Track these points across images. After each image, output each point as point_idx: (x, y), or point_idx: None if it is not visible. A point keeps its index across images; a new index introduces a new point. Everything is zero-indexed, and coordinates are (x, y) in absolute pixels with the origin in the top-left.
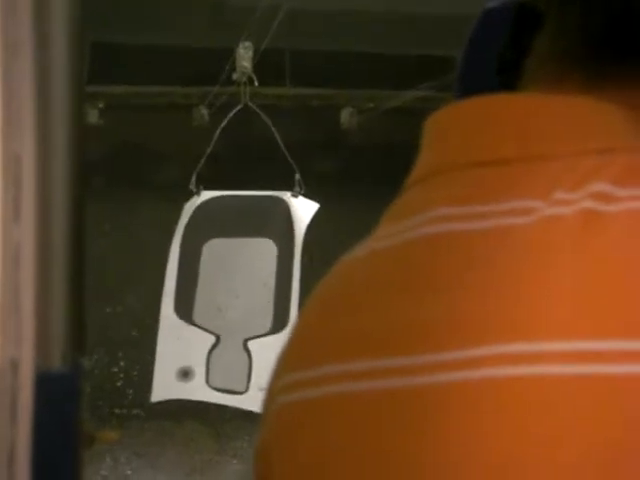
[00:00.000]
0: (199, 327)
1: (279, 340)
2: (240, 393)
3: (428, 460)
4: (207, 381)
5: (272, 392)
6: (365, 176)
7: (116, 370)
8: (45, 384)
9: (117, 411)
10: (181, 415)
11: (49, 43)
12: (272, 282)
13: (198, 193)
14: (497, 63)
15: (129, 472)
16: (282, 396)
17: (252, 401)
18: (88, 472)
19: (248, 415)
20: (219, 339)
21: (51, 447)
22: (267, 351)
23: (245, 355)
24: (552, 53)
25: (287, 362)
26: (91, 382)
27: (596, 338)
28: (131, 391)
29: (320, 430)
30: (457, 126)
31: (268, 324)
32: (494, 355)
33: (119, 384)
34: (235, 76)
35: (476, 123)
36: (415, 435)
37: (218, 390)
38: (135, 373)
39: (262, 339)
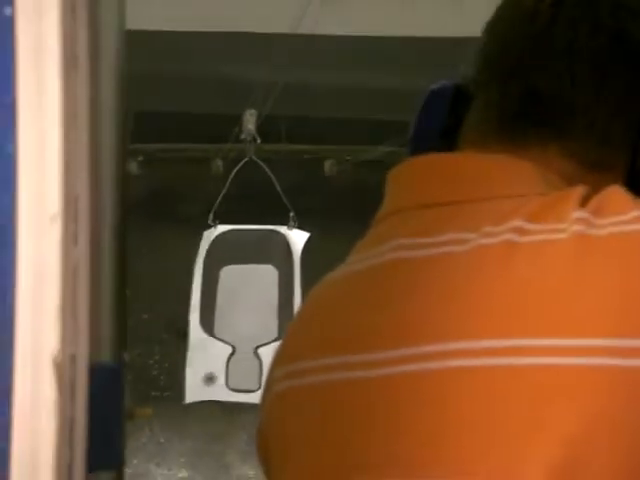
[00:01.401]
0: (219, 339)
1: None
2: (254, 391)
3: (383, 426)
4: (227, 384)
5: (268, 383)
6: (343, 213)
7: (152, 362)
8: (96, 374)
9: (153, 393)
10: None
11: (101, 115)
12: (276, 299)
13: (215, 226)
14: (440, 129)
15: (162, 440)
16: (276, 385)
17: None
18: (131, 440)
19: None
20: (235, 349)
21: (101, 421)
22: (271, 354)
23: (256, 360)
24: (479, 123)
25: (279, 358)
26: (133, 371)
27: (513, 336)
28: (163, 378)
29: (302, 410)
30: (410, 177)
31: (274, 333)
32: (436, 352)
33: (154, 373)
34: (242, 136)
35: (424, 175)
36: (373, 413)
37: (236, 390)
38: (166, 364)
39: (270, 345)
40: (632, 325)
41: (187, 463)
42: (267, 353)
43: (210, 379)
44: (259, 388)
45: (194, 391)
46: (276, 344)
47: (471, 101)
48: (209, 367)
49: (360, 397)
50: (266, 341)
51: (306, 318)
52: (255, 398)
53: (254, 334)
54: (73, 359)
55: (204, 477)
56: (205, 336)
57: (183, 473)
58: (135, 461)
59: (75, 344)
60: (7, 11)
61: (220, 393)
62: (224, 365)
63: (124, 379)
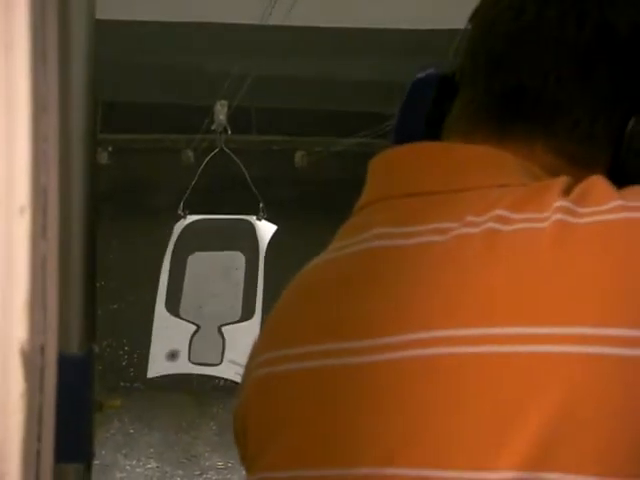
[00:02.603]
0: (183, 319)
1: (245, 326)
2: (216, 365)
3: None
4: (189, 358)
5: (249, 368)
6: (312, 204)
7: (121, 353)
8: (65, 364)
9: (122, 384)
10: (171, 388)
11: (70, 104)
12: (241, 284)
13: (185, 217)
14: (425, 119)
15: (131, 431)
16: (256, 371)
17: (225, 371)
18: (100, 431)
19: (223, 387)
20: (199, 327)
21: (70, 411)
22: (236, 333)
23: (219, 337)
24: (465, 114)
25: (260, 345)
26: (102, 362)
27: (496, 325)
28: (132, 369)
29: (281, 396)
30: (393, 166)
31: (238, 314)
32: (419, 339)
33: (124, 363)
34: (213, 126)
35: (407, 164)
36: (357, 399)
37: (198, 364)
38: (135, 355)
39: (233, 325)
40: (612, 314)
41: (156, 454)
42: (230, 332)
43: (173, 355)
44: (220, 363)
45: (157, 366)
46: (239, 325)
47: (457, 91)
48: (173, 344)
49: (342, 384)
50: (230, 321)
51: (286, 306)
52: (216, 371)
53: (218, 315)
54: (42, 350)
55: (173, 468)
56: (170, 316)
57: (152, 464)
58: (103, 452)
59: (44, 335)
60: None
61: (183, 367)
62: (187, 342)
63: (93, 370)
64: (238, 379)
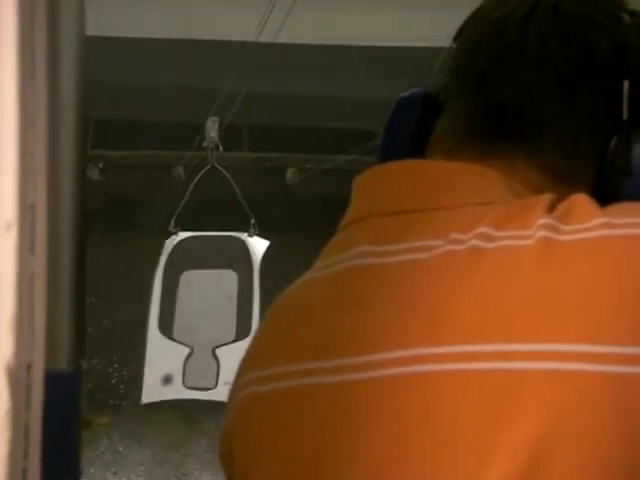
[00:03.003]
0: (177, 342)
1: (241, 346)
2: (210, 389)
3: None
4: (183, 383)
5: (234, 388)
6: (304, 220)
7: (111, 370)
8: (53, 381)
9: (111, 401)
10: (161, 405)
11: (60, 119)
12: (235, 303)
13: (176, 233)
14: (410, 137)
15: (121, 449)
16: (240, 391)
17: (220, 394)
18: (89, 449)
19: (214, 404)
20: (192, 350)
21: (57, 428)
22: (232, 354)
23: (214, 360)
24: (449, 132)
25: (245, 365)
26: (92, 379)
27: (478, 342)
28: (122, 386)
29: (265, 416)
30: (377, 184)
31: (232, 334)
32: (401, 357)
33: (113, 381)
34: (205, 143)
35: (391, 182)
36: (349, 418)
37: (193, 389)
38: (125, 372)
39: (228, 346)
40: (592, 331)
41: (145, 472)
42: (225, 353)
43: (167, 380)
44: (216, 386)
45: (151, 392)
46: (234, 345)
47: (441, 109)
48: (167, 368)
49: (323, 403)
50: (224, 342)
51: (270, 326)
52: (211, 395)
53: (212, 336)
54: (29, 367)
55: None
56: (163, 338)
57: None
58: (92, 470)
59: (31, 352)
60: None
61: (177, 392)
62: (181, 365)
63: (81, 386)
64: None
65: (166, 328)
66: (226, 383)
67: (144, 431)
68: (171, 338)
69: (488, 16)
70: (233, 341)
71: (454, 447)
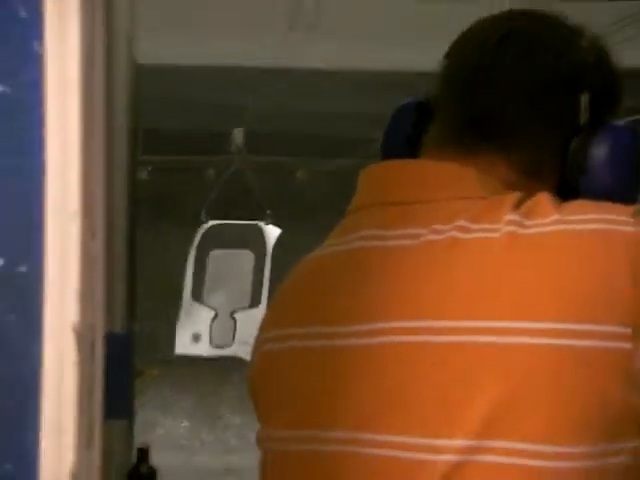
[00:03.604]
0: (206, 306)
1: (254, 312)
2: (229, 347)
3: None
4: (210, 342)
5: (257, 344)
6: (311, 213)
7: (160, 333)
8: (111, 340)
9: (160, 357)
10: (196, 362)
11: (115, 133)
12: (250, 275)
13: (207, 222)
14: (406, 139)
15: (167, 394)
16: (262, 345)
17: (237, 349)
18: (143, 395)
19: (241, 361)
20: (216, 315)
21: (115, 377)
22: (246, 318)
23: (231, 322)
24: (439, 135)
25: (265, 324)
26: (144, 340)
27: (454, 318)
28: (168, 346)
29: (282, 368)
30: (377, 178)
31: (247, 302)
32: (392, 328)
33: (161, 342)
34: (232, 149)
35: (389, 177)
36: (344, 374)
37: (216, 347)
38: (170, 335)
39: (243, 312)
40: (547, 309)
41: (187, 414)
42: (241, 317)
43: (196, 337)
44: (233, 343)
45: (183, 346)
46: (248, 311)
47: (432, 115)
48: (196, 327)
49: (329, 361)
50: (239, 307)
51: (287, 292)
52: (229, 352)
53: (232, 302)
54: (92, 328)
55: (202, 425)
56: (194, 302)
57: (185, 423)
58: (145, 411)
59: (93, 316)
60: (38, 50)
61: (204, 349)
62: (208, 326)
63: (134, 344)
64: (249, 357)
65: (197, 295)
66: (242, 342)
67: (185, 382)
68: (201, 302)
69: (470, 39)
70: (248, 307)
71: (433, 403)
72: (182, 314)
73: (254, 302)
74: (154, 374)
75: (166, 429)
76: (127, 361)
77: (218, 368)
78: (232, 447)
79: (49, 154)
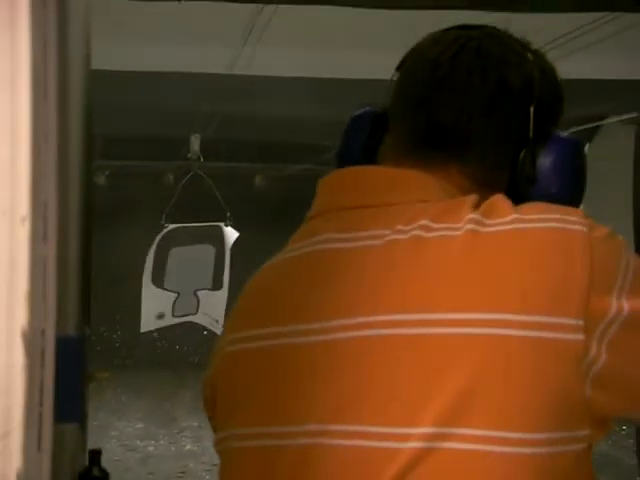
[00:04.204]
0: (167, 290)
1: (216, 294)
2: (193, 314)
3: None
4: (172, 314)
5: (219, 345)
6: (267, 215)
7: (115, 336)
8: (63, 343)
9: (115, 361)
10: (155, 365)
11: (69, 135)
12: (212, 261)
13: (166, 226)
14: (362, 147)
15: (123, 398)
16: (223, 349)
17: (201, 318)
18: (98, 399)
19: (197, 364)
20: (179, 295)
21: (67, 381)
22: (209, 297)
23: (195, 297)
24: (395, 144)
25: (227, 327)
26: (99, 344)
27: (418, 312)
28: (124, 349)
29: (245, 368)
30: (336, 185)
31: (209, 284)
32: (355, 323)
33: (117, 345)
34: (189, 155)
35: (348, 183)
36: (311, 372)
37: (180, 316)
38: (127, 337)
39: (205, 291)
40: (506, 302)
41: (142, 417)
42: (204, 295)
43: (160, 316)
44: (196, 313)
45: (148, 323)
46: (210, 291)
47: (387, 126)
48: (159, 308)
49: (293, 358)
50: (202, 287)
51: (249, 296)
52: (194, 319)
53: (194, 282)
54: (42, 332)
55: (157, 427)
56: (155, 287)
57: (140, 425)
58: (100, 415)
59: (44, 321)
60: None
61: (168, 321)
62: (170, 305)
63: (86, 348)
64: (212, 328)
65: (159, 283)
66: (204, 313)
67: (141, 385)
68: (162, 288)
69: (424, 53)
70: (210, 289)
71: (402, 394)
72: (144, 297)
73: (216, 285)
74: (105, 376)
75: (121, 431)
76: (79, 364)
77: (174, 371)
78: (187, 450)
79: None
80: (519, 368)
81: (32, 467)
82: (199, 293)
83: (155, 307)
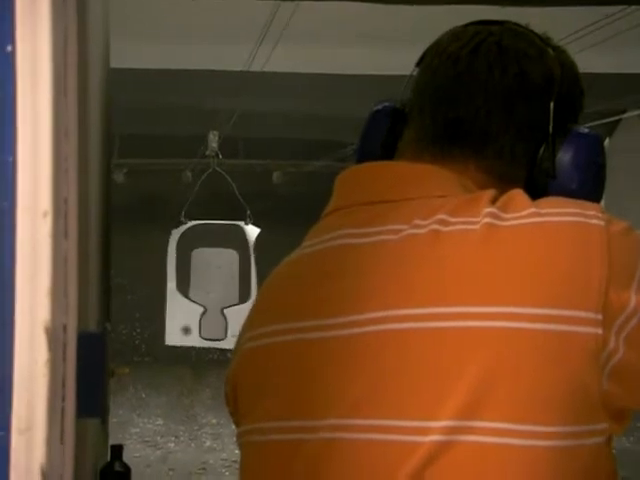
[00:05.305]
0: (192, 301)
1: (244, 307)
2: (222, 339)
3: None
4: (200, 334)
5: (239, 342)
6: (286, 212)
7: (134, 334)
8: (84, 339)
9: (135, 358)
10: (174, 361)
11: (89, 135)
12: (237, 274)
13: (185, 222)
14: (381, 143)
15: (143, 395)
16: (245, 344)
17: (230, 343)
18: (119, 396)
19: (216, 360)
20: (206, 309)
21: (88, 377)
22: (237, 313)
23: (222, 317)
24: (414, 140)
25: (247, 324)
26: (119, 341)
27: (436, 305)
28: (144, 346)
29: (267, 364)
30: (355, 180)
31: (236, 299)
32: (374, 318)
33: (137, 342)
34: (207, 152)
35: (367, 178)
36: (326, 365)
37: (207, 339)
38: (146, 335)
39: (232, 307)
40: (523, 296)
41: (162, 414)
42: (231, 313)
43: (186, 330)
44: (225, 338)
45: (173, 337)
46: (238, 307)
47: (406, 121)
48: (185, 321)
49: (316, 353)
50: (229, 304)
51: (268, 293)
52: (223, 344)
53: (220, 299)
54: (64, 328)
55: (176, 424)
56: (181, 296)
57: (159, 421)
58: (121, 412)
59: (66, 316)
60: (8, 48)
61: (195, 341)
62: (197, 320)
63: (107, 344)
64: None
65: (183, 290)
66: (233, 335)
67: (161, 382)
68: (187, 297)
69: (445, 48)
70: (237, 304)
71: (422, 388)
72: (168, 308)
73: (243, 298)
74: (125, 372)
75: (141, 428)
76: (100, 360)
77: (193, 368)
78: (206, 447)
79: (20, 154)
80: (535, 361)
81: (55, 461)
82: (226, 311)
83: (181, 319)
